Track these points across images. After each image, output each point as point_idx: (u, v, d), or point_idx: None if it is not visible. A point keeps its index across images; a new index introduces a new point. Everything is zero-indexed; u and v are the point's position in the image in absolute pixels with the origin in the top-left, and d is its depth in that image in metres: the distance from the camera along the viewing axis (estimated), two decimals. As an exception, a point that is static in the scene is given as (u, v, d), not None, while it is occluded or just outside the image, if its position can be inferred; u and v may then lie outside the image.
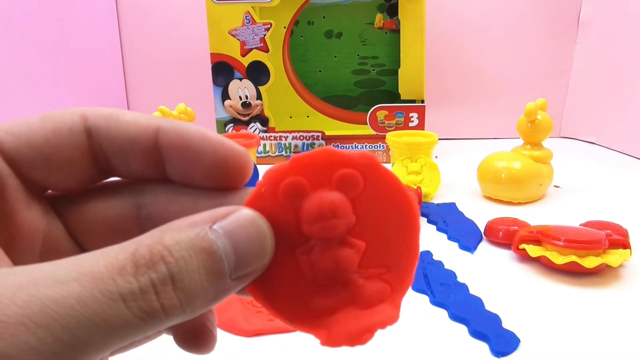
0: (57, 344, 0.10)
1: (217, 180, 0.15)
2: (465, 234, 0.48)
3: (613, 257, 0.39)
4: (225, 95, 0.78)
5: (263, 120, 0.80)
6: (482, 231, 0.48)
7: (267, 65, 0.77)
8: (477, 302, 0.36)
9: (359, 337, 0.14)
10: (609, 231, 0.42)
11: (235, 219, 0.13)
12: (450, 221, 0.52)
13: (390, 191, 0.16)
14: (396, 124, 0.78)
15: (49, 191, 0.15)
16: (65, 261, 0.11)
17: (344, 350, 0.31)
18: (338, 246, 0.14)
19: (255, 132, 0.80)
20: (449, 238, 0.48)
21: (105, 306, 0.11)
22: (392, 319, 0.15)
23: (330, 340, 0.15)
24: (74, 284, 0.11)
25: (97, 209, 0.16)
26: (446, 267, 0.42)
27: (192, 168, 0.15)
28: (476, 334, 0.32)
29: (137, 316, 0.11)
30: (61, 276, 0.11)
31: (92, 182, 0.16)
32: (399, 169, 0.61)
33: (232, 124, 0.80)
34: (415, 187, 0.53)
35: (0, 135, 0.14)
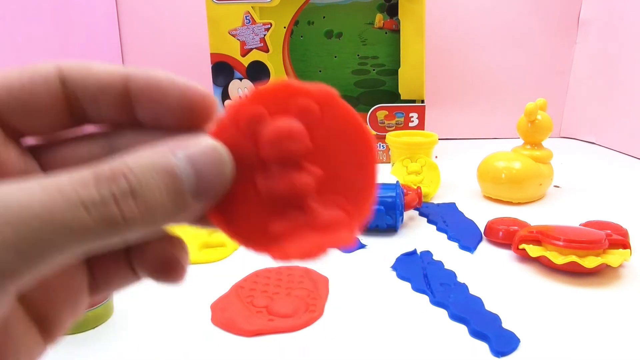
0: (20, 241, 0.11)
1: (184, 121, 0.15)
2: (465, 234, 0.48)
3: (613, 257, 0.39)
4: (225, 95, 0.78)
5: (263, 120, 0.80)
6: (482, 231, 0.48)
7: (267, 65, 0.77)
8: (477, 302, 0.36)
9: (310, 252, 0.15)
10: (609, 231, 0.42)
11: (195, 144, 0.14)
12: (450, 221, 0.52)
13: (348, 124, 0.17)
14: (396, 124, 0.78)
15: (27, 138, 0.16)
16: (32, 178, 0.12)
17: (344, 350, 0.31)
18: (295, 171, 0.15)
19: (255, 132, 0.80)
20: (449, 238, 0.48)
21: (66, 211, 0.12)
22: (346, 240, 0.15)
23: (283, 255, 0.15)
24: (38, 191, 0.12)
25: (72, 152, 0.16)
26: (446, 267, 0.42)
27: (161, 110, 0.15)
28: (476, 334, 0.32)
29: (97, 222, 0.12)
30: (26, 186, 0.12)
31: (66, 128, 0.16)
32: (399, 169, 0.61)
33: (232, 124, 0.80)
34: (415, 187, 0.53)
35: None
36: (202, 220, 0.15)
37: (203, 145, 0.14)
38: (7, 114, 0.15)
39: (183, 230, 0.31)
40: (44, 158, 0.16)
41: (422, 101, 0.78)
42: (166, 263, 0.17)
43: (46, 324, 0.15)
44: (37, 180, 0.12)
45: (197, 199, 0.14)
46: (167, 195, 0.13)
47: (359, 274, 0.41)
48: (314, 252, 0.15)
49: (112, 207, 0.12)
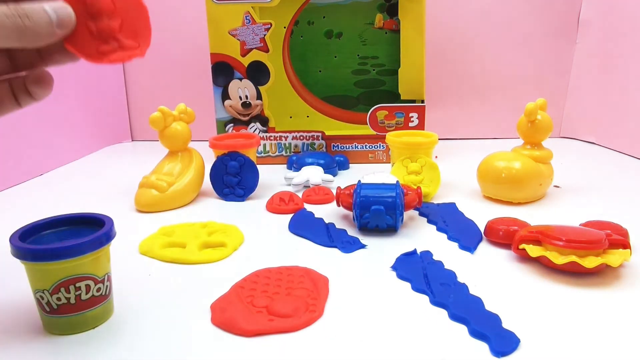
0: None
1: None
2: (465, 234, 0.48)
3: (613, 257, 0.39)
4: (225, 95, 0.78)
5: (263, 120, 0.80)
6: (482, 231, 0.48)
7: (267, 65, 0.77)
8: (477, 302, 0.36)
9: (120, 59, 0.31)
10: (609, 231, 0.42)
11: (56, 3, 0.28)
12: (450, 221, 0.52)
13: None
14: (396, 124, 0.78)
15: None
16: None
17: (344, 350, 0.31)
18: (108, 21, 0.31)
19: (255, 132, 0.80)
20: (449, 238, 0.48)
21: None
22: (138, 54, 0.32)
23: (107, 60, 0.31)
24: None
25: None
26: (446, 267, 0.42)
27: None
28: (476, 334, 0.32)
29: (13, 24, 0.26)
30: None
31: None
32: (399, 169, 0.61)
33: (232, 124, 0.80)
34: (415, 187, 0.53)
35: None
36: (65, 50, 0.30)
37: (60, 3, 0.28)
38: None
39: (184, 232, 0.33)
40: None
41: (422, 101, 0.78)
42: (40, 77, 0.32)
43: None
44: None
45: (59, 28, 0.28)
46: (44, 21, 0.27)
47: (359, 274, 0.41)
48: (122, 59, 0.32)
49: (18, 19, 0.26)
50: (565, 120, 0.98)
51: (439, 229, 0.51)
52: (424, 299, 0.37)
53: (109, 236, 0.34)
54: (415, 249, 0.45)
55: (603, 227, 0.43)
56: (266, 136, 0.80)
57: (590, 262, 0.38)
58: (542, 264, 0.41)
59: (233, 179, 0.61)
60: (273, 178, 0.71)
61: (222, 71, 0.77)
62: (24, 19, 0.26)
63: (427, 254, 0.44)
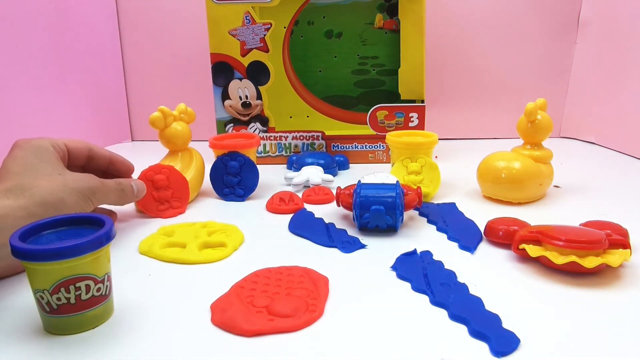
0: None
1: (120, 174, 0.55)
2: (465, 234, 0.48)
3: (613, 257, 0.39)
4: (225, 95, 0.78)
5: (263, 120, 0.80)
6: (482, 231, 0.48)
7: (267, 65, 0.77)
8: (477, 302, 0.36)
9: (171, 215, 0.57)
10: (609, 231, 0.42)
11: (138, 181, 0.53)
12: (450, 221, 0.52)
13: (178, 176, 0.58)
14: (396, 124, 0.78)
15: None
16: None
17: (345, 350, 0.31)
18: (164, 191, 0.57)
19: (255, 132, 0.80)
20: (449, 238, 0.48)
21: (114, 186, 0.49)
22: (181, 211, 0.58)
23: (163, 215, 0.56)
24: (111, 182, 0.49)
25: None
26: (446, 267, 0.42)
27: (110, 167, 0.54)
28: (476, 334, 0.32)
29: (118, 190, 0.50)
30: (108, 181, 0.49)
31: (82, 168, 0.51)
32: (399, 169, 0.61)
33: (232, 124, 0.80)
34: (415, 187, 0.53)
35: (65, 140, 0.50)
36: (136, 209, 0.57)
37: (139, 182, 0.53)
38: (69, 155, 0.49)
39: (184, 232, 0.32)
40: None
41: (422, 101, 0.78)
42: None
43: None
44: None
45: (137, 197, 0.52)
46: (130, 192, 0.51)
47: (359, 274, 0.41)
48: (172, 215, 0.56)
49: (120, 191, 0.50)
50: (565, 120, 0.98)
51: (439, 229, 0.51)
52: (424, 299, 0.37)
53: (109, 236, 0.34)
54: (415, 249, 0.45)
55: (603, 227, 0.43)
56: (266, 136, 0.80)
57: (590, 262, 0.38)
58: (542, 264, 0.41)
59: (233, 179, 0.61)
60: (273, 178, 0.71)
61: (222, 71, 0.77)
62: (122, 191, 0.49)
63: (427, 254, 0.44)
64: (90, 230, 0.34)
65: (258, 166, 0.62)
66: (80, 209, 0.43)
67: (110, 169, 0.53)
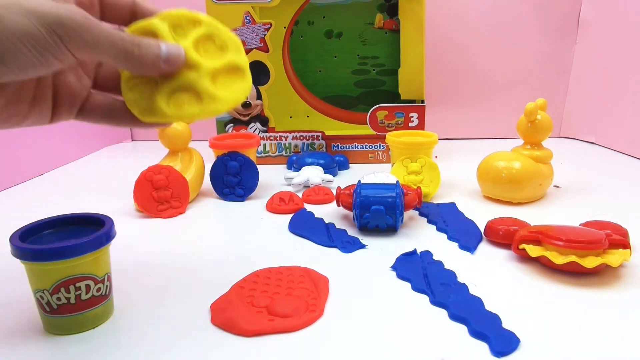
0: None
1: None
2: (465, 234, 0.48)
3: (613, 257, 0.39)
4: (225, 95, 0.78)
5: (263, 120, 0.80)
6: (482, 231, 0.48)
7: (267, 65, 0.77)
8: (477, 302, 0.36)
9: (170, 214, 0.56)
10: (609, 231, 0.42)
11: (174, 44, 0.30)
12: (450, 221, 0.52)
13: (178, 176, 0.57)
14: (396, 124, 0.78)
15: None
16: None
17: (345, 350, 0.31)
18: (164, 192, 0.57)
19: (255, 132, 0.80)
20: (449, 238, 0.48)
21: (116, 35, 0.28)
22: (180, 211, 0.57)
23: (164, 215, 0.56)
24: (108, 27, 0.27)
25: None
26: (446, 267, 0.42)
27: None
28: (476, 334, 0.32)
29: (122, 46, 0.28)
30: (105, 24, 0.28)
31: (124, 23, 0.32)
32: (399, 169, 0.61)
33: (232, 124, 0.80)
34: (415, 187, 0.53)
35: None
36: (130, 116, 0.33)
37: (176, 45, 0.30)
38: (104, 7, 0.31)
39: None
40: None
41: (422, 101, 0.78)
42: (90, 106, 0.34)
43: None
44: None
45: (166, 63, 0.29)
46: (152, 53, 0.29)
47: (359, 274, 0.41)
48: (172, 215, 0.56)
49: (129, 45, 0.28)
50: (565, 120, 0.98)
51: (439, 229, 0.51)
52: (424, 299, 0.37)
53: (108, 236, 0.34)
54: (415, 249, 0.45)
55: (603, 227, 0.43)
56: (266, 136, 0.80)
57: (590, 262, 0.38)
58: (542, 264, 0.41)
59: (233, 179, 0.61)
60: (273, 178, 0.71)
61: (222, 71, 0.77)
62: (133, 47, 0.28)
63: (427, 254, 0.44)
64: (90, 230, 0.34)
65: (258, 166, 0.62)
66: (35, 50, 0.25)
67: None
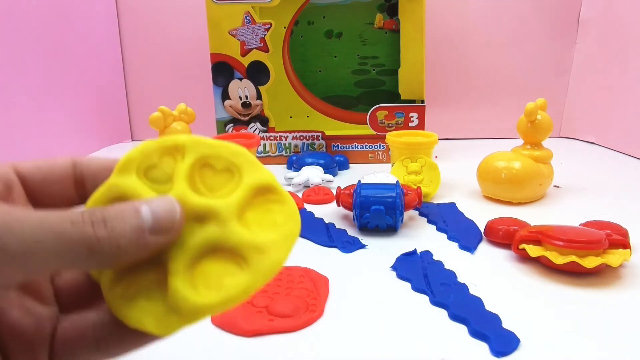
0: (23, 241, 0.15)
1: None
2: (465, 234, 0.48)
3: (613, 257, 0.39)
4: (225, 95, 0.78)
5: (263, 120, 0.80)
6: (482, 231, 0.48)
7: (267, 65, 0.77)
8: (477, 302, 0.36)
9: None
10: (609, 231, 0.42)
11: (159, 198, 0.19)
12: (450, 221, 0.52)
13: None
14: (396, 124, 0.78)
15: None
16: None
17: (344, 350, 0.31)
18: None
19: (255, 132, 0.80)
20: (449, 238, 0.48)
21: (58, 220, 0.16)
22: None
23: None
24: (41, 212, 0.17)
25: None
26: (446, 267, 0.42)
27: None
28: (476, 334, 0.32)
29: (77, 234, 0.16)
30: (31, 211, 0.17)
31: (72, 204, 0.21)
32: (399, 169, 0.61)
33: (232, 124, 0.80)
34: (415, 187, 0.53)
35: (18, 162, 0.21)
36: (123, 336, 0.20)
37: (164, 199, 0.19)
38: (31, 184, 0.21)
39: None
40: None
41: (422, 101, 0.78)
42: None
43: None
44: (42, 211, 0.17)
45: (154, 236, 0.18)
46: (129, 226, 0.17)
47: (359, 274, 0.41)
48: None
49: (88, 227, 0.17)
50: (565, 120, 0.98)
51: (439, 229, 0.51)
52: (424, 299, 0.37)
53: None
54: (415, 249, 0.45)
55: (603, 227, 0.43)
56: (266, 136, 0.80)
57: (590, 262, 0.38)
58: (542, 264, 0.41)
59: (233, 179, 0.61)
60: (273, 178, 0.71)
61: (222, 71, 0.77)
62: (97, 227, 0.17)
63: (427, 254, 0.44)
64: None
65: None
66: None
67: None
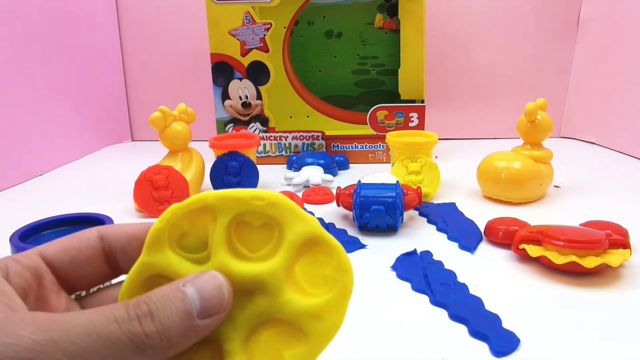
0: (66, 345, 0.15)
1: None
2: (465, 234, 0.48)
3: (613, 257, 0.39)
4: (225, 95, 0.78)
5: (263, 120, 0.80)
6: (482, 231, 0.48)
7: (267, 65, 0.77)
8: (477, 302, 0.36)
9: None
10: (609, 231, 0.42)
11: (203, 276, 0.18)
12: (450, 221, 0.52)
13: None
14: (396, 124, 0.78)
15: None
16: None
17: (344, 350, 0.31)
18: None
19: (255, 132, 0.80)
20: (449, 238, 0.48)
21: (103, 323, 0.16)
22: None
23: None
24: (85, 314, 0.16)
25: (106, 295, 0.22)
26: (446, 267, 0.42)
27: None
28: (476, 334, 0.32)
29: (125, 334, 0.16)
30: (74, 316, 0.16)
31: (106, 279, 0.21)
32: (399, 169, 0.61)
33: (232, 124, 0.80)
34: (415, 187, 0.53)
35: (43, 247, 0.20)
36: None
37: (209, 276, 0.18)
38: (61, 269, 0.20)
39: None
40: (85, 303, 0.22)
41: (422, 101, 0.78)
42: None
43: None
44: (86, 310, 0.16)
45: (204, 319, 0.17)
46: (177, 314, 0.17)
47: (359, 274, 0.41)
48: None
49: (135, 323, 0.16)
50: (565, 120, 0.98)
51: (439, 229, 0.51)
52: (424, 299, 0.37)
53: (109, 236, 0.33)
54: (415, 249, 0.45)
55: (603, 227, 0.43)
56: (266, 136, 0.80)
57: (590, 262, 0.38)
58: (542, 264, 0.41)
59: (233, 179, 0.61)
60: (273, 178, 0.71)
61: (222, 71, 0.77)
62: (143, 320, 0.16)
63: (427, 254, 0.44)
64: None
65: (258, 166, 0.62)
66: None
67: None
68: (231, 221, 0.19)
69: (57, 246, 0.20)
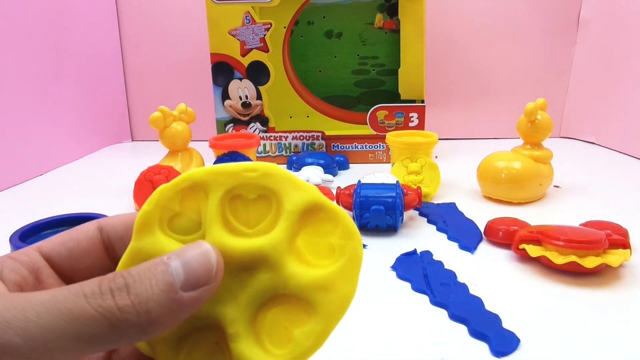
0: (29, 324, 0.13)
1: None
2: (465, 234, 0.48)
3: (613, 257, 0.39)
4: (225, 95, 0.78)
5: (263, 120, 0.80)
6: (482, 231, 0.48)
7: (267, 65, 0.77)
8: (477, 302, 0.36)
9: None
10: (609, 231, 0.42)
11: (190, 247, 0.16)
12: (450, 221, 0.52)
13: None
14: (396, 124, 0.78)
15: None
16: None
17: (344, 350, 0.31)
18: None
19: (255, 132, 0.80)
20: (449, 238, 0.48)
21: (69, 298, 0.14)
22: None
23: None
24: (51, 291, 0.14)
25: None
26: (446, 267, 0.42)
27: None
28: (476, 334, 0.32)
29: (94, 309, 0.14)
30: (35, 293, 0.14)
31: (107, 271, 0.18)
32: (399, 169, 0.61)
33: (232, 124, 0.80)
34: (415, 187, 0.53)
35: (41, 243, 0.20)
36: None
37: (197, 246, 0.16)
38: (59, 262, 0.19)
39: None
40: None
41: (422, 101, 0.78)
42: None
43: None
44: (54, 288, 0.15)
45: (189, 292, 0.15)
46: (157, 286, 0.15)
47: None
48: None
49: (107, 297, 0.14)
50: (565, 120, 0.98)
51: (439, 229, 0.51)
52: (424, 299, 0.37)
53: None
54: (415, 249, 0.45)
55: (603, 227, 0.43)
56: (266, 136, 0.80)
57: (590, 262, 0.38)
58: (542, 264, 0.41)
59: (233, 179, 0.61)
60: (273, 178, 0.70)
61: (222, 71, 0.77)
62: (118, 293, 0.14)
63: (427, 254, 0.44)
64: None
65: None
66: None
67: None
68: (224, 196, 0.17)
69: (55, 240, 0.20)
